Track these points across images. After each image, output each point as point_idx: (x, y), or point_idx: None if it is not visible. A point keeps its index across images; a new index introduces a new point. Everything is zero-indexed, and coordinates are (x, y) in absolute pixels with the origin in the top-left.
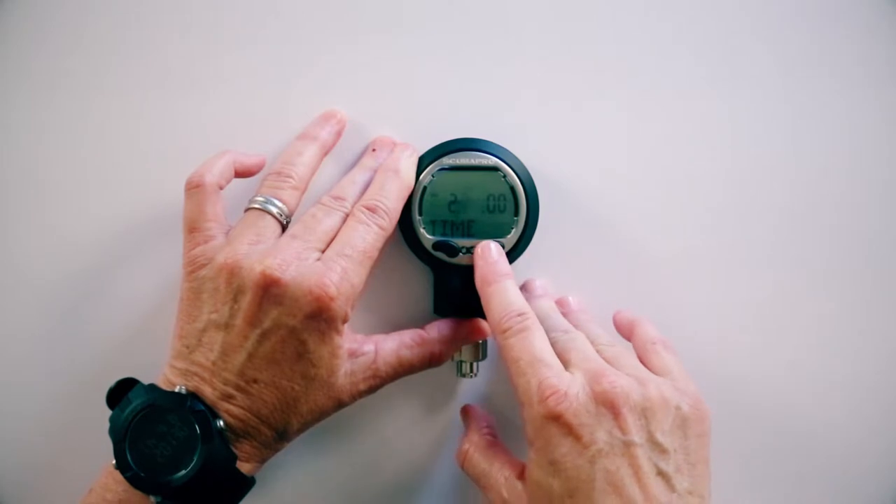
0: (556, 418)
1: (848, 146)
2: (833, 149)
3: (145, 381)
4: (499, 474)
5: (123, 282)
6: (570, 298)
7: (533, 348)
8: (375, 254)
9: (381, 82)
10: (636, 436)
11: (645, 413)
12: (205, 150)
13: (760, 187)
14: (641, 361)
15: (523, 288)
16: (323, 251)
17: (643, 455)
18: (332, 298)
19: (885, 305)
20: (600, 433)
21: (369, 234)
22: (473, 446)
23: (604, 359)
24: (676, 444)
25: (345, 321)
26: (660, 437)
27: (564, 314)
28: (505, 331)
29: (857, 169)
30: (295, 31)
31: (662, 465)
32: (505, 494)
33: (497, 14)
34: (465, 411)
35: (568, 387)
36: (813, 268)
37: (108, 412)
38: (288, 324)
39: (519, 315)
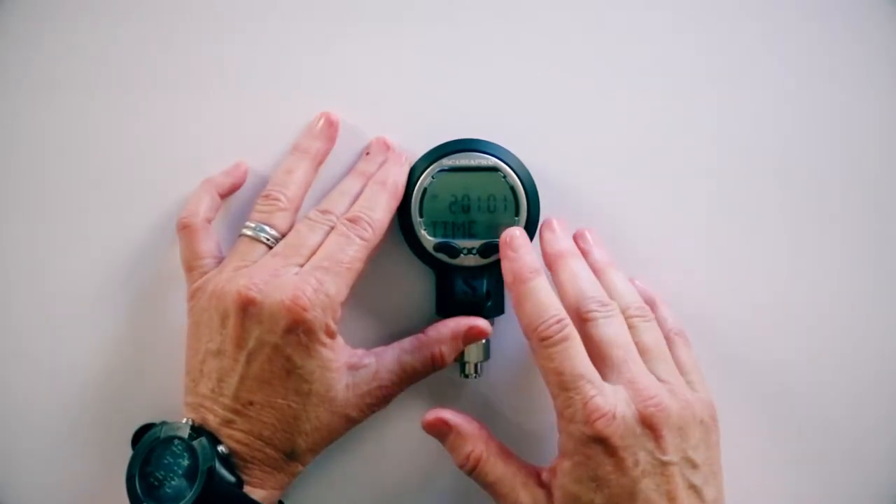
0: (602, 440)
1: (848, 146)
2: (833, 149)
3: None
4: (515, 480)
5: (123, 280)
6: (588, 235)
7: (574, 362)
8: (357, 265)
9: (380, 82)
10: (673, 455)
11: (680, 432)
12: (204, 149)
13: (761, 188)
14: None
15: (544, 227)
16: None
17: (678, 472)
18: (304, 309)
19: (885, 305)
20: (642, 454)
21: (350, 246)
22: (489, 452)
23: (639, 349)
24: (703, 456)
25: (328, 333)
26: (691, 453)
27: (585, 254)
28: (544, 339)
29: (857, 169)
30: (294, 31)
31: (694, 479)
32: (524, 501)
33: (497, 14)
34: (448, 424)
35: (614, 407)
36: (813, 267)
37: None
38: (270, 341)
39: (558, 322)
